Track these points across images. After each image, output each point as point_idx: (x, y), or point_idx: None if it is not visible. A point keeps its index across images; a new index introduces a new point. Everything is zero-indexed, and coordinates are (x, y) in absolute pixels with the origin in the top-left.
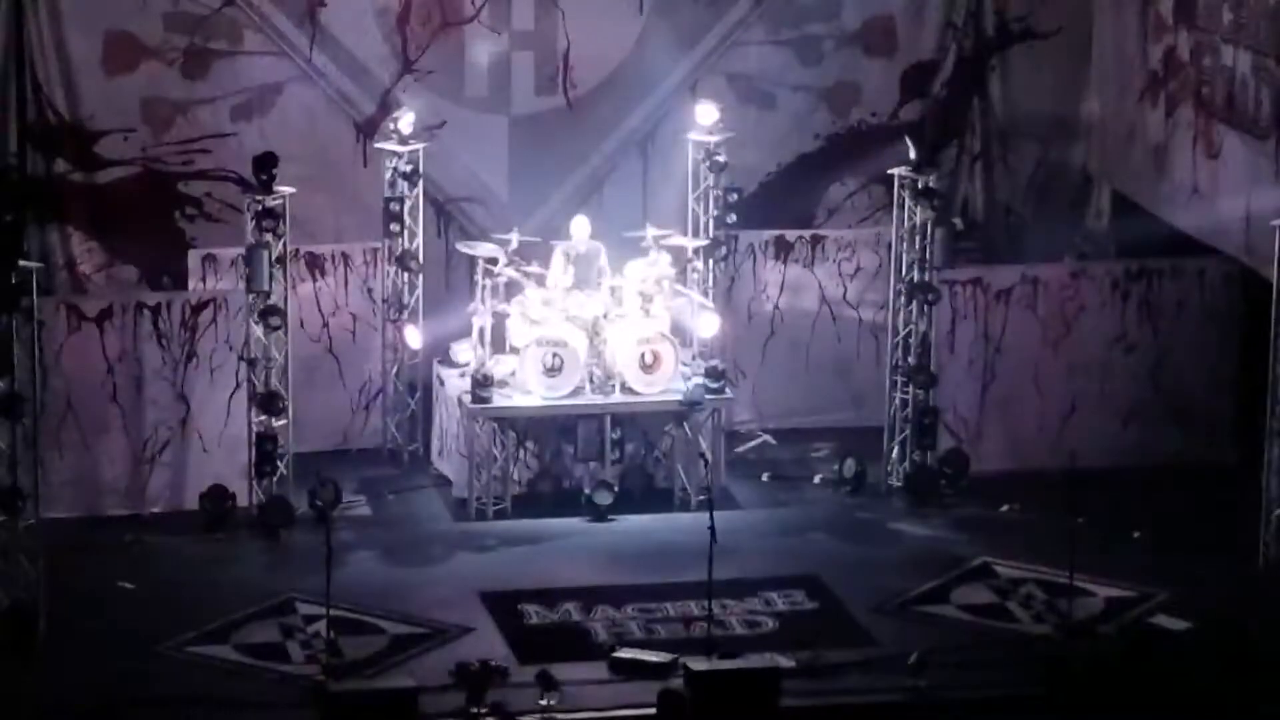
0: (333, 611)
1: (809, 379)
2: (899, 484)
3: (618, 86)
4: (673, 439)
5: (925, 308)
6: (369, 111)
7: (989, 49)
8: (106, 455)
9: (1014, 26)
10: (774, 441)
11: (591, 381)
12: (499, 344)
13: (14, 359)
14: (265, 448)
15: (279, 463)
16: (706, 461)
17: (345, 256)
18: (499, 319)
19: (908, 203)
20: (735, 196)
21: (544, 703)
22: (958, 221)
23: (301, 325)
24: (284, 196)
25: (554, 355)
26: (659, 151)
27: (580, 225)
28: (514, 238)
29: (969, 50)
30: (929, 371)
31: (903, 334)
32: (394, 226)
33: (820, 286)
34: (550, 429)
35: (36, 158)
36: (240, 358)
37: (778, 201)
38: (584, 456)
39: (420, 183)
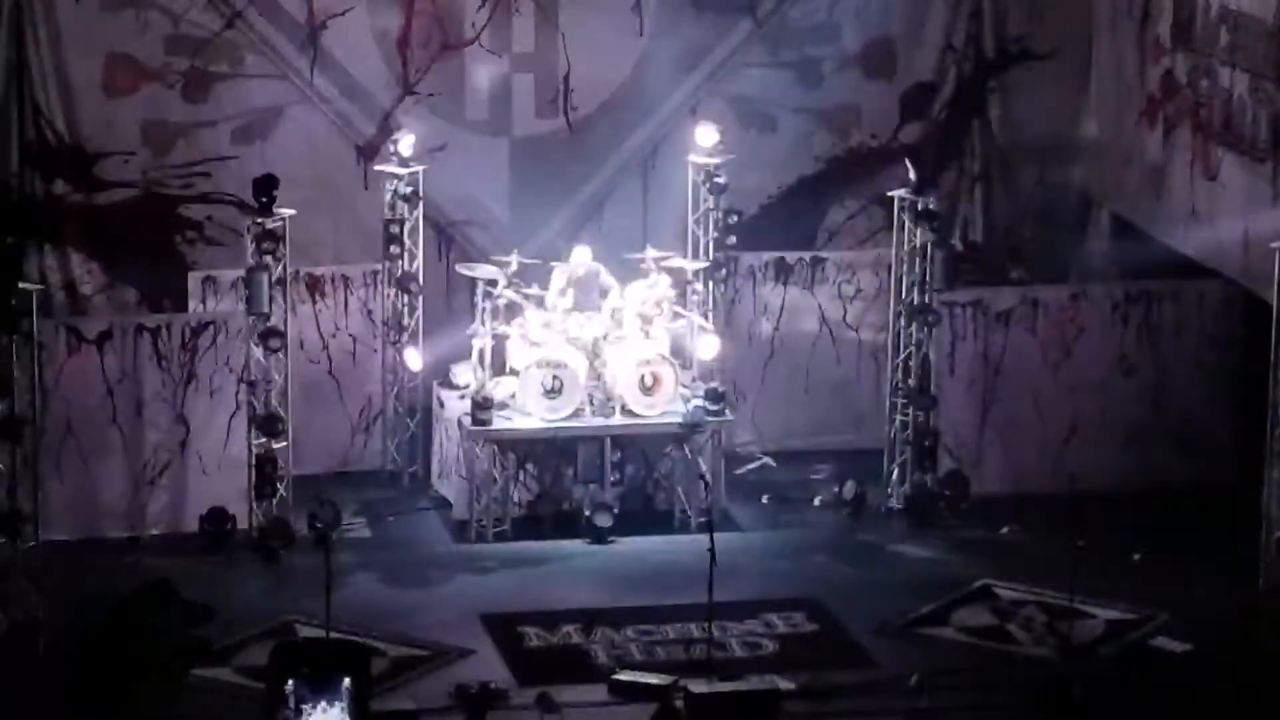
0: (332, 634)
1: (809, 401)
2: (899, 506)
3: (618, 108)
4: (673, 461)
5: (925, 329)
6: (369, 134)
7: (988, 71)
8: (106, 477)
9: (1013, 48)
10: (774, 463)
11: (591, 403)
12: (499, 366)
13: (14, 381)
14: (265, 470)
15: (279, 485)
16: (706, 483)
17: (345, 279)
18: (499, 341)
19: (908, 225)
20: (736, 219)
21: None
22: (957, 243)
23: (301, 347)
24: (284, 219)
25: (554, 377)
26: (659, 173)
27: (581, 254)
28: (514, 260)
29: (968, 72)
30: (929, 393)
31: (903, 356)
32: (394, 249)
33: (820, 308)
34: (550, 451)
35: (36, 179)
36: (240, 380)
37: (778, 224)
38: (584, 478)
39: (420, 205)
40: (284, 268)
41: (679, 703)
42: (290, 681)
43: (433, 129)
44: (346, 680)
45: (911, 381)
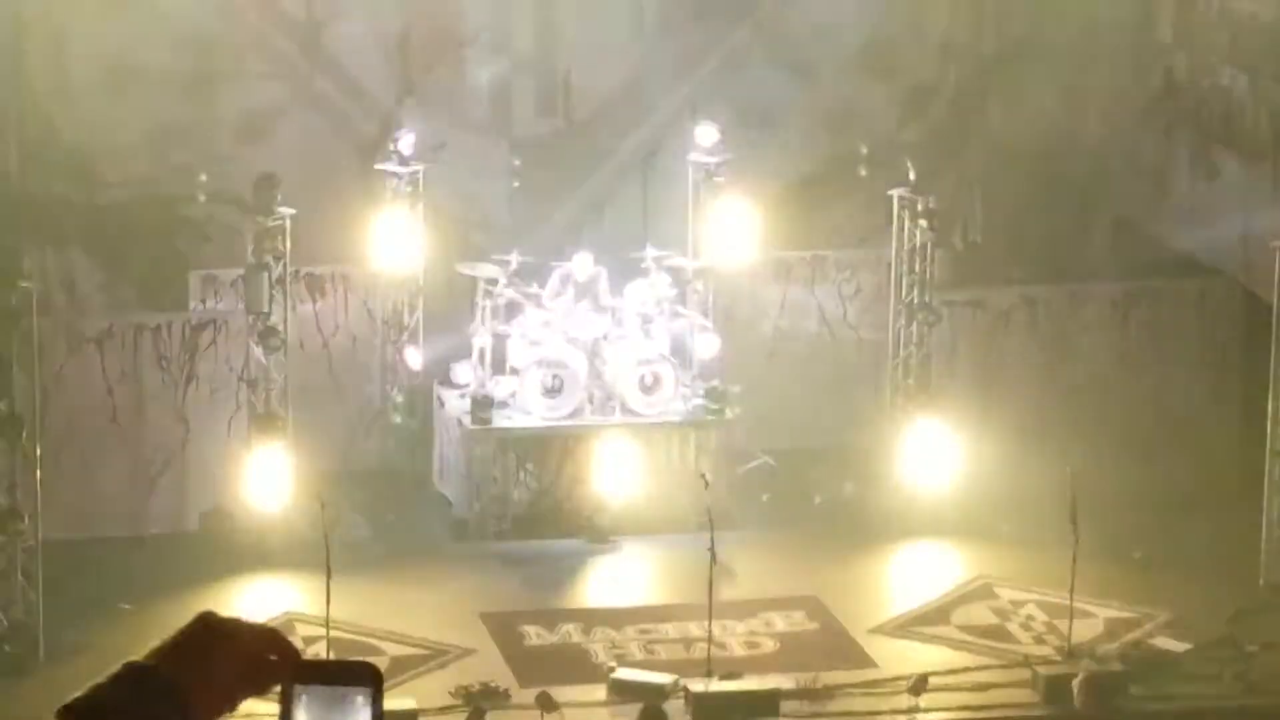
0: (333, 632)
1: (809, 401)
2: (898, 506)
3: (618, 108)
4: (673, 460)
5: (925, 329)
6: (370, 133)
7: (988, 70)
8: (106, 476)
9: (1013, 48)
10: (774, 462)
11: (591, 402)
12: (499, 365)
13: (14, 380)
14: (265, 470)
15: (280, 485)
16: (707, 482)
17: (345, 278)
18: (499, 340)
19: (907, 224)
20: (735, 219)
21: None
22: (957, 243)
23: (301, 346)
24: (284, 218)
25: (554, 376)
26: (659, 173)
27: (584, 260)
28: (514, 259)
29: (968, 71)
30: (929, 393)
31: (903, 355)
32: (393, 249)
33: (820, 307)
34: (550, 450)
35: (37, 179)
36: (240, 379)
37: (779, 224)
38: (582, 478)
39: (420, 205)
40: (284, 267)
41: (665, 705)
42: (304, 696)
43: (433, 129)
44: (361, 697)
45: (911, 381)
